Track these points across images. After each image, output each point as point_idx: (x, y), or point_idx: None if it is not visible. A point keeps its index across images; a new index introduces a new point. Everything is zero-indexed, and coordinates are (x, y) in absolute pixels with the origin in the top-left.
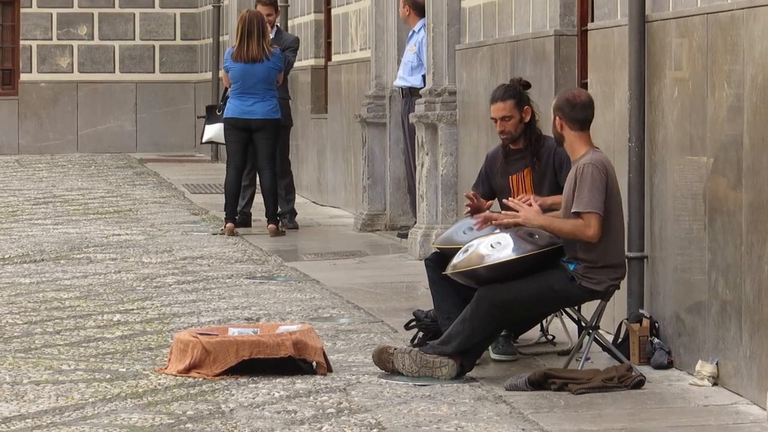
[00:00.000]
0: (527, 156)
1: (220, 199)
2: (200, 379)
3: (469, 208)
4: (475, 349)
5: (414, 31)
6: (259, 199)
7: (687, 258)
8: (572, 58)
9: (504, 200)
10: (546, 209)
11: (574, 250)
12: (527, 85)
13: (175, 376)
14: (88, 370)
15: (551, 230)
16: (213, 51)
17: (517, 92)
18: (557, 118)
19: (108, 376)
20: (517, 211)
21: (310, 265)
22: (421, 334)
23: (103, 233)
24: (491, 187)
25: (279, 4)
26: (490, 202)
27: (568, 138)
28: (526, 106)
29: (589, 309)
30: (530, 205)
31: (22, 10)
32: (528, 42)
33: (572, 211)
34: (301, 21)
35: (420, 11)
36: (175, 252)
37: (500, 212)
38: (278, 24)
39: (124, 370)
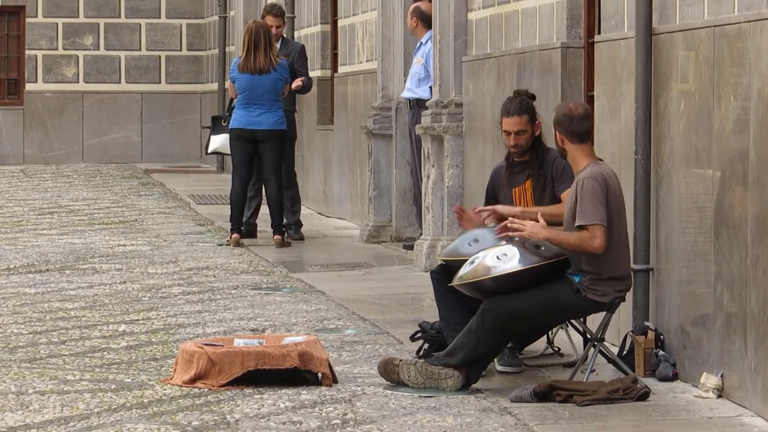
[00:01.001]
0: (530, 168)
1: (226, 209)
2: (206, 390)
3: (458, 219)
4: (480, 361)
5: (421, 43)
6: (264, 210)
7: (692, 270)
8: (579, 70)
9: (509, 219)
10: (549, 222)
11: (579, 262)
12: (533, 97)
13: (181, 386)
14: (93, 381)
15: (557, 243)
16: (219, 62)
17: (530, 106)
18: (557, 132)
19: (113, 386)
20: (522, 229)
21: (315, 277)
22: (426, 345)
23: (108, 244)
24: (498, 201)
25: (285, 15)
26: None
27: (570, 151)
28: (537, 120)
29: (594, 321)
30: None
31: (28, 20)
32: (535, 54)
33: (576, 224)
34: (308, 32)
35: (427, 23)
36: (181, 263)
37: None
38: (284, 34)
39: (129, 380)
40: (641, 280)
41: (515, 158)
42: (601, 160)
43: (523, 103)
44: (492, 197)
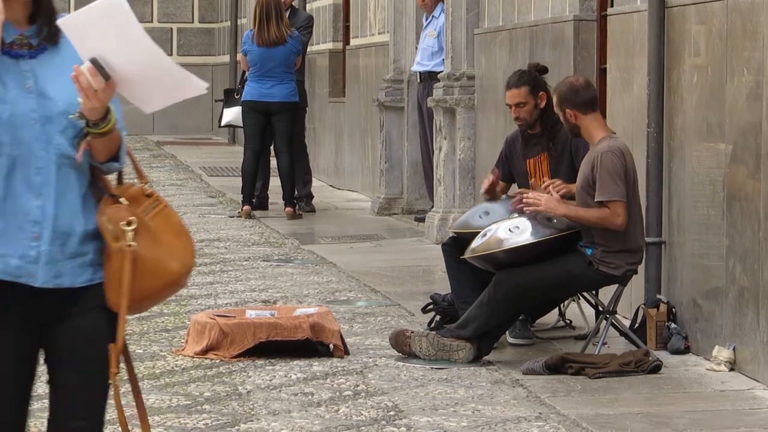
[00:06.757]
0: (544, 141)
1: (237, 181)
2: (217, 361)
3: (487, 184)
4: (492, 333)
5: (434, 16)
6: (275, 182)
7: (705, 243)
8: (591, 43)
9: (523, 190)
10: (568, 196)
11: (591, 234)
12: (544, 70)
13: (192, 357)
14: None
15: (575, 219)
16: (231, 34)
17: (531, 78)
18: (567, 110)
19: None
20: (538, 203)
21: (327, 248)
22: (438, 317)
23: None
24: (510, 170)
25: None
26: (503, 184)
27: (584, 124)
28: (542, 92)
29: (606, 294)
30: (549, 194)
31: None
32: (547, 27)
33: (596, 200)
34: (320, 4)
35: None
36: (192, 234)
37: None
38: (294, 4)
39: (141, 351)
40: (653, 252)
41: (528, 131)
42: (614, 133)
43: (522, 75)
44: (504, 165)
